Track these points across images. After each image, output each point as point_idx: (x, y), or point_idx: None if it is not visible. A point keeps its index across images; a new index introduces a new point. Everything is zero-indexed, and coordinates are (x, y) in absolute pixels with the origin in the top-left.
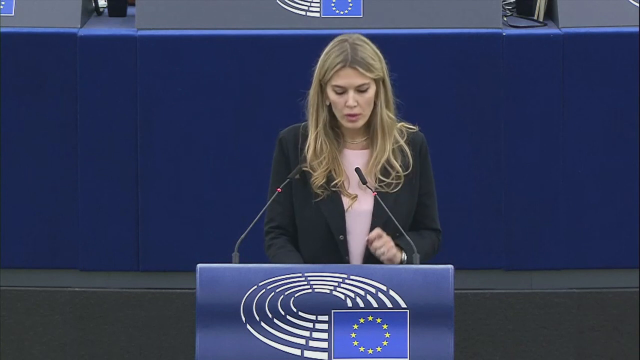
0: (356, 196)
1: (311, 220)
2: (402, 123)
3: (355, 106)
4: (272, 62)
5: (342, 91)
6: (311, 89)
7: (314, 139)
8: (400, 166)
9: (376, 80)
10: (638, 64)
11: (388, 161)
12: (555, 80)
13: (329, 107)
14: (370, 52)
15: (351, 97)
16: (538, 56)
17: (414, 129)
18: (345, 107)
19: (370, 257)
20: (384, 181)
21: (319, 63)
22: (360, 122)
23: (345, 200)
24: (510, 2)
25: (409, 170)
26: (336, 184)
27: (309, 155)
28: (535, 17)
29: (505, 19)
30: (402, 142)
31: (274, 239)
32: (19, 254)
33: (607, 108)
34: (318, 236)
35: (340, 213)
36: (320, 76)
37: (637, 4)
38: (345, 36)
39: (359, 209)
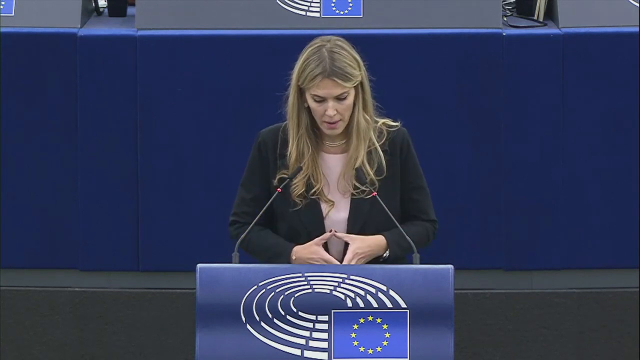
0: (333, 203)
1: (291, 228)
2: (384, 121)
3: (334, 115)
4: (272, 62)
5: (321, 100)
6: (290, 93)
7: (296, 144)
8: (374, 172)
9: (355, 86)
10: (638, 64)
11: (361, 166)
12: (555, 80)
13: (309, 108)
14: (349, 59)
15: (330, 106)
16: (538, 56)
17: (395, 126)
18: (324, 115)
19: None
20: (358, 188)
21: (296, 68)
22: (340, 128)
23: (324, 207)
24: (510, 2)
25: (383, 175)
26: (315, 191)
27: (292, 161)
28: (535, 17)
29: (505, 19)
30: (377, 145)
31: (239, 228)
32: (19, 254)
33: (607, 108)
34: (300, 243)
35: (319, 221)
36: (298, 82)
37: (637, 4)
38: (323, 41)
39: (336, 216)
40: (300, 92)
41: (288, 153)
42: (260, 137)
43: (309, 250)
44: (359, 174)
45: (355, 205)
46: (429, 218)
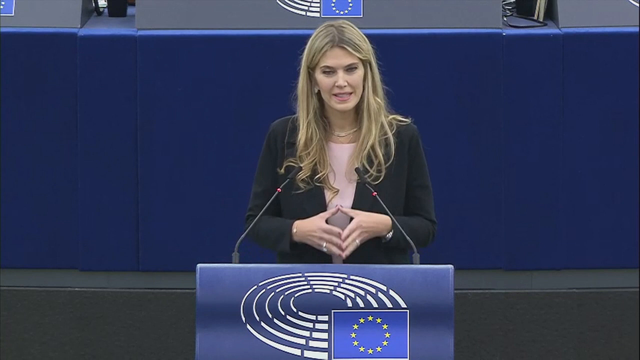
0: (337, 190)
1: (294, 214)
2: (395, 116)
3: (345, 86)
4: (272, 62)
5: (331, 72)
6: (299, 78)
7: (306, 128)
8: (383, 155)
9: (364, 62)
10: (638, 64)
11: (373, 148)
12: (555, 80)
13: (319, 94)
14: (357, 34)
15: (340, 77)
16: (538, 56)
17: (405, 122)
18: (335, 88)
19: (352, 253)
20: (367, 171)
21: (305, 50)
22: (352, 103)
23: (328, 195)
24: (510, 2)
25: (390, 161)
26: (319, 177)
27: (300, 145)
28: (535, 17)
29: (505, 19)
30: (389, 134)
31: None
32: (19, 254)
33: (607, 108)
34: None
35: (321, 208)
36: (308, 62)
37: (637, 4)
38: (331, 22)
39: (340, 204)
40: (310, 76)
41: (297, 139)
42: (271, 128)
43: (313, 223)
44: (360, 175)
45: (360, 193)
46: (430, 217)
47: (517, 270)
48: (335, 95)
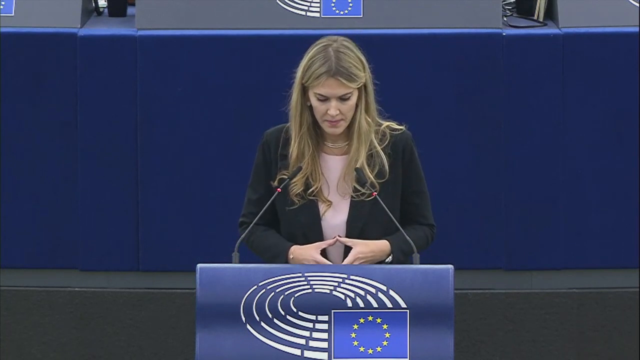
0: (331, 203)
1: (289, 227)
2: (389, 123)
3: (337, 114)
4: (272, 62)
5: (324, 99)
6: (293, 91)
7: (298, 142)
8: (375, 175)
9: (359, 87)
10: (638, 64)
11: (361, 168)
12: (555, 80)
13: (311, 107)
14: (355, 60)
15: (333, 106)
16: (538, 56)
17: (399, 129)
18: (326, 114)
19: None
20: (359, 190)
21: (301, 66)
22: (342, 128)
23: (322, 207)
24: (510, 2)
25: (385, 178)
26: (312, 191)
27: (292, 159)
28: (535, 17)
29: (505, 19)
30: (379, 148)
31: (247, 228)
32: (19, 254)
33: (607, 108)
34: (298, 244)
35: (316, 221)
36: (302, 79)
37: (637, 4)
38: (329, 40)
39: (334, 218)
40: (304, 91)
41: (290, 152)
42: (264, 137)
43: (308, 253)
44: (360, 175)
45: (355, 208)
46: (427, 222)
47: (517, 270)
48: (327, 120)
